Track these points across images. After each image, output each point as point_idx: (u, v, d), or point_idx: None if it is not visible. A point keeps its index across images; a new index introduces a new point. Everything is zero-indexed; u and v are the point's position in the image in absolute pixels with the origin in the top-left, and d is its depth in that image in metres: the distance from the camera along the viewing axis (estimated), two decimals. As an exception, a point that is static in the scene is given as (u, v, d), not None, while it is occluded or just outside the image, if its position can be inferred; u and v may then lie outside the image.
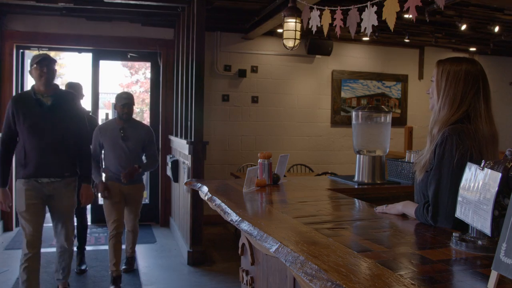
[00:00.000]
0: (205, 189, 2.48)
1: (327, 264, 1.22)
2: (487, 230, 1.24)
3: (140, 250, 5.01)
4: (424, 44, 7.10)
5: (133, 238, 4.35)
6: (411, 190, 1.93)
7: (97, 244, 5.29)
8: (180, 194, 5.34)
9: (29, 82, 5.95)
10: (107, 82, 13.95)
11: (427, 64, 7.32)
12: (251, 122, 6.61)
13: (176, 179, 5.45)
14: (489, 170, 1.27)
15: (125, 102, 4.04)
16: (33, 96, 3.18)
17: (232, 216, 1.86)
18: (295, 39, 3.38)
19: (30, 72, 3.24)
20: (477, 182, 1.31)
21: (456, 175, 1.44)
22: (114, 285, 3.85)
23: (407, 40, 6.39)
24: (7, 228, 5.76)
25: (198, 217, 4.65)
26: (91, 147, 3.83)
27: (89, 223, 6.01)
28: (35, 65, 3.16)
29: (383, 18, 2.38)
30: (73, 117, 3.33)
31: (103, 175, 4.09)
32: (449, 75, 1.77)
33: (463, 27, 5.44)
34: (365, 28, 2.59)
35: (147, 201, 6.47)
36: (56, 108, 3.22)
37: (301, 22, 3.25)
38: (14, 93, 5.66)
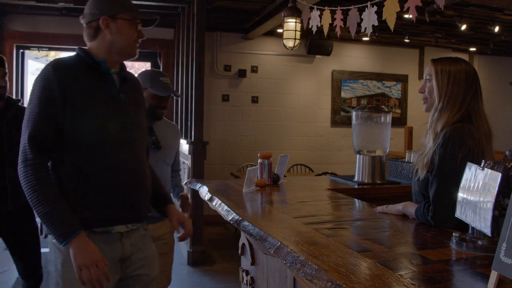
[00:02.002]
0: (205, 189, 2.47)
1: (327, 264, 1.22)
2: (487, 230, 1.24)
3: (140, 250, 5.01)
4: (424, 44, 7.10)
5: None
6: (411, 190, 1.93)
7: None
8: (180, 194, 5.33)
9: (29, 82, 5.96)
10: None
11: (427, 64, 7.22)
12: (251, 122, 6.61)
13: (176, 179, 5.43)
14: (489, 170, 1.26)
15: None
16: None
17: (232, 216, 1.86)
18: (295, 39, 3.38)
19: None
20: (477, 182, 1.31)
21: (457, 176, 1.43)
22: None
23: (407, 40, 6.39)
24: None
25: (198, 217, 4.65)
26: None
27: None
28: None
29: (383, 18, 2.38)
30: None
31: None
32: (450, 76, 1.77)
33: (463, 27, 5.44)
34: (365, 28, 2.59)
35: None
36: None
37: (301, 22, 3.25)
38: (14, 94, 5.65)
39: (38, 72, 1.67)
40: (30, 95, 1.61)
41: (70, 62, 1.67)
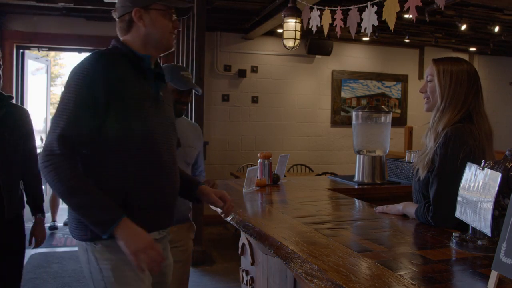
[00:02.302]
0: (205, 189, 2.47)
1: (327, 264, 1.22)
2: (487, 230, 1.24)
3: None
4: (424, 44, 7.10)
5: None
6: (411, 190, 1.93)
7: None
8: (180, 194, 5.33)
9: (29, 83, 5.96)
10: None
11: (427, 64, 7.28)
12: (251, 122, 6.61)
13: (176, 179, 5.43)
14: (489, 170, 1.27)
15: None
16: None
17: (232, 216, 1.86)
18: (295, 39, 3.38)
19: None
20: (477, 182, 1.31)
21: (458, 176, 1.43)
22: None
23: (407, 40, 6.39)
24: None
25: (198, 217, 4.65)
26: None
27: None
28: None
29: (383, 18, 2.38)
30: None
31: None
32: (453, 76, 1.77)
33: (463, 27, 5.44)
34: (365, 28, 2.59)
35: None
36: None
37: (301, 22, 3.25)
38: (14, 94, 5.65)
39: (77, 63, 1.50)
40: (66, 88, 1.47)
41: (113, 57, 1.55)
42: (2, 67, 2.39)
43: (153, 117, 1.56)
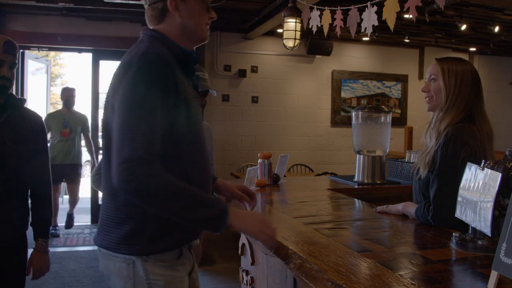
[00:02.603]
0: (205, 189, 2.47)
1: (327, 264, 1.22)
2: (487, 230, 1.24)
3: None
4: (424, 44, 7.10)
5: None
6: (411, 190, 1.93)
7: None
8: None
9: (29, 83, 5.96)
10: (107, 82, 13.95)
11: (427, 64, 7.31)
12: (251, 122, 6.61)
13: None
14: (489, 170, 1.27)
15: None
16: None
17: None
18: (295, 39, 3.38)
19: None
20: (477, 182, 1.31)
21: (458, 176, 1.43)
22: None
23: (407, 40, 6.38)
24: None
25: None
26: None
27: (89, 223, 6.03)
28: None
29: (383, 18, 2.38)
30: None
31: None
32: (458, 76, 1.78)
33: (463, 27, 5.44)
34: (365, 28, 2.59)
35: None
36: None
37: (301, 22, 3.25)
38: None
39: (127, 64, 1.31)
40: (135, 91, 1.29)
41: (168, 56, 1.37)
42: (16, 65, 2.10)
43: (199, 118, 1.48)
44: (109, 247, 1.39)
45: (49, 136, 5.21)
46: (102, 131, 1.42)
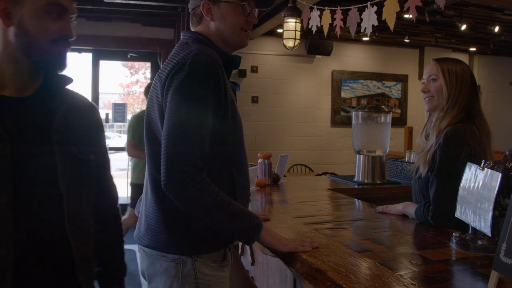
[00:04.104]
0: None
1: (327, 264, 1.22)
2: (487, 230, 1.24)
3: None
4: (424, 44, 7.10)
5: None
6: (411, 190, 1.93)
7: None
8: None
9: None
10: (107, 82, 13.94)
11: (427, 64, 7.27)
12: (251, 122, 6.61)
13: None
14: (489, 170, 1.26)
15: None
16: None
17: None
18: (295, 39, 3.38)
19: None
20: (477, 182, 1.31)
21: (458, 176, 1.44)
22: None
23: (407, 40, 6.39)
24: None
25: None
26: None
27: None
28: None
29: (383, 18, 2.38)
30: None
31: None
32: (458, 76, 1.79)
33: (463, 27, 5.44)
34: (365, 28, 2.59)
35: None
36: None
37: (301, 22, 3.25)
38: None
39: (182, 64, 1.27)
40: (185, 93, 1.27)
41: (215, 54, 1.35)
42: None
43: (241, 118, 1.48)
44: (158, 248, 1.38)
45: None
46: (146, 133, 1.41)
